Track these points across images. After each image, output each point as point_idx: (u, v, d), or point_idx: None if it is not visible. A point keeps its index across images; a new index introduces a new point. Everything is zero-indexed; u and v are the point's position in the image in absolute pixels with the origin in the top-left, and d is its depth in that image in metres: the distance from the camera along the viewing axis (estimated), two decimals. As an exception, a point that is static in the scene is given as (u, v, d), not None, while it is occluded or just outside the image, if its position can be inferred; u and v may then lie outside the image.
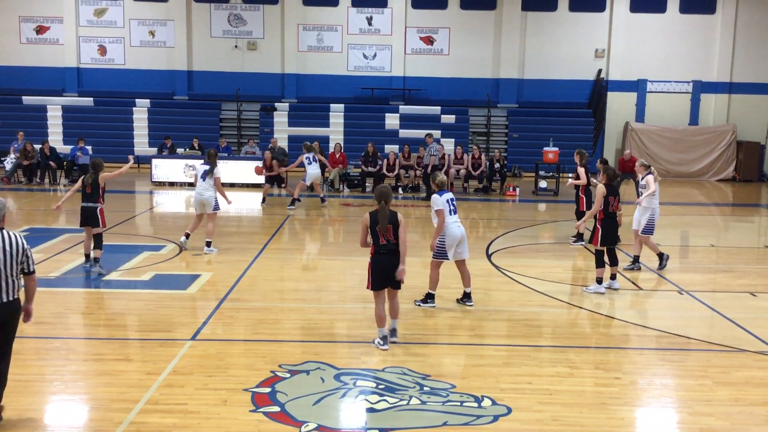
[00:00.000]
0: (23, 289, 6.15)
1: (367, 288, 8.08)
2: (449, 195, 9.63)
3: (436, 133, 26.30)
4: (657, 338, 8.69)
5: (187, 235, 12.88)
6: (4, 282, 5.88)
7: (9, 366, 6.14)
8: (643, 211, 12.00)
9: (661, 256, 12.21)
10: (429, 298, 9.72)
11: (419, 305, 9.63)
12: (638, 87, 28.86)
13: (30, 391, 6.63)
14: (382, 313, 8.02)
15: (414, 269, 10.66)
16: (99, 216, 10.93)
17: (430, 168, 21.24)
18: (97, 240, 10.98)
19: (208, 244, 12.66)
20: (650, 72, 28.75)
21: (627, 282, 11.39)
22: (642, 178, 12.24)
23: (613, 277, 10.70)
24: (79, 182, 11.16)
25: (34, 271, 6.11)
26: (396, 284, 8.04)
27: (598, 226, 10.51)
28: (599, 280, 10.49)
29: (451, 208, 9.54)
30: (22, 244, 6.03)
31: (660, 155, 27.92)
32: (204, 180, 12.66)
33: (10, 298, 5.94)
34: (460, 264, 9.69)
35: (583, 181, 14.22)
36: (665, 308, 10.17)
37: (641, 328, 9.08)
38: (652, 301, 10.72)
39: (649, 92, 28.93)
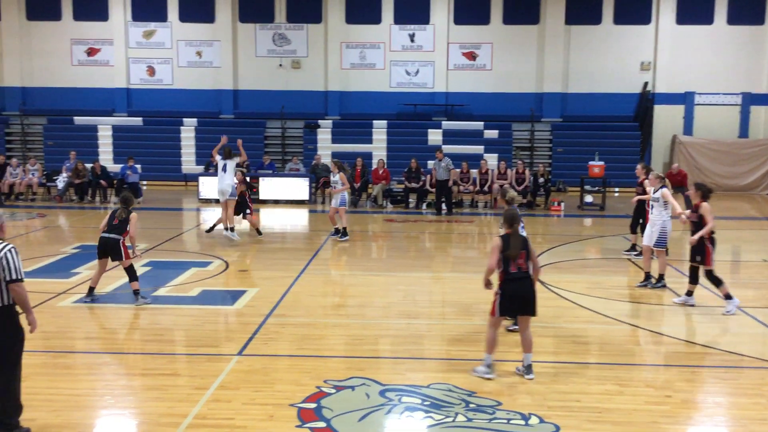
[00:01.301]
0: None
1: (492, 314, 7.60)
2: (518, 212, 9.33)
3: (479, 149, 26.27)
4: (708, 355, 8.49)
5: (213, 228, 15.93)
6: None
7: (13, 383, 5.99)
8: (653, 224, 11.74)
9: (648, 276, 11.82)
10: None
11: (513, 329, 9.00)
12: (686, 100, 28.42)
13: (81, 405, 6.75)
14: (495, 337, 7.59)
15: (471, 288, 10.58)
16: (122, 248, 10.37)
17: (442, 181, 21.04)
18: (130, 272, 10.45)
19: (231, 229, 14.83)
20: (698, 84, 28.31)
21: (677, 297, 11.16)
22: (655, 191, 11.92)
23: (689, 293, 10.49)
24: (108, 215, 10.69)
25: (18, 279, 5.91)
26: (530, 311, 7.57)
27: (708, 245, 10.23)
28: (728, 296, 10.19)
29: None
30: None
31: (709, 168, 27.40)
32: (225, 171, 14.96)
33: None
34: None
35: (650, 195, 13.85)
36: (717, 324, 9.93)
37: (692, 345, 8.87)
38: (702, 317, 10.47)
39: (696, 105, 28.47)
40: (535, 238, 17.56)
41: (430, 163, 24.44)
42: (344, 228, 15.99)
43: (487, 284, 7.70)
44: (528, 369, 7.52)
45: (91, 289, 10.57)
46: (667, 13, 28.02)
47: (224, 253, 14.20)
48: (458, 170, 22.37)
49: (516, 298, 7.50)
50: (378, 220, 19.84)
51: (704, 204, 10.35)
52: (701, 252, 10.28)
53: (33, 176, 23.40)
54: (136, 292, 10.45)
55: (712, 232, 10.27)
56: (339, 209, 15.83)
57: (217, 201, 22.39)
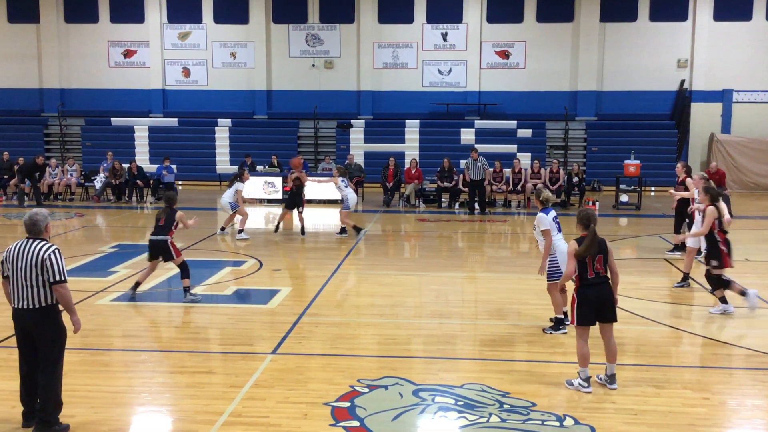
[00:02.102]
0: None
1: (572, 323, 7.31)
2: (554, 212, 9.14)
3: (512, 148, 26.12)
4: (747, 357, 8.34)
5: (222, 229, 16.66)
6: (21, 289, 6.02)
7: (53, 380, 6.11)
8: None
9: (686, 277, 11.70)
10: (560, 324, 9.00)
11: (550, 333, 8.96)
12: (723, 97, 27.94)
13: (119, 402, 6.86)
14: (586, 351, 7.14)
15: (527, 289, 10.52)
16: (171, 248, 10.57)
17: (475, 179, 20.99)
18: (182, 269, 10.63)
19: (239, 231, 15.73)
20: (736, 82, 27.81)
21: (714, 299, 10.99)
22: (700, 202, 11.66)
23: (723, 300, 10.32)
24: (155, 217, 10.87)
25: (61, 280, 6.02)
26: (611, 317, 7.16)
27: (722, 248, 10.06)
28: (724, 299, 10.08)
29: (557, 225, 9.10)
30: (41, 253, 6.00)
31: (748, 167, 26.91)
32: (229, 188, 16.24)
33: (29, 306, 6.00)
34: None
35: (692, 193, 13.65)
36: (755, 326, 9.74)
37: (729, 346, 8.73)
38: (740, 319, 10.28)
39: (735, 102, 27.98)
40: (568, 238, 17.39)
41: (463, 163, 24.41)
42: (342, 228, 16.48)
43: (562, 290, 7.32)
44: (611, 378, 7.19)
45: (137, 284, 10.76)
46: (704, 9, 27.57)
47: (258, 252, 14.31)
48: (491, 169, 22.28)
49: (595, 304, 7.09)
50: (410, 220, 19.83)
51: (710, 208, 10.19)
52: (717, 256, 10.08)
53: (71, 176, 23.82)
54: (186, 289, 10.59)
55: (725, 231, 10.13)
56: (342, 212, 16.30)
57: (259, 200, 22.74)
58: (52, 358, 6.11)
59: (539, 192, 9.34)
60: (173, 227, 10.59)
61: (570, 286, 7.92)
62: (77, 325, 6.26)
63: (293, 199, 16.59)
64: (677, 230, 14.41)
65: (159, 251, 10.60)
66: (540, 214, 9.08)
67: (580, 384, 7.10)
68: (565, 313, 8.89)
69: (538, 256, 14.42)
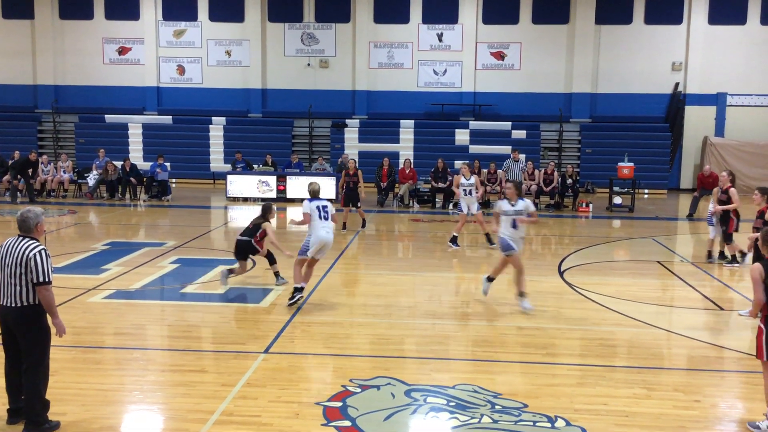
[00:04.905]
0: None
1: (759, 358, 6.45)
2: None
3: (507, 149, 26.12)
4: (738, 360, 8.36)
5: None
6: (6, 287, 5.99)
7: (37, 381, 6.06)
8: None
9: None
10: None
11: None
12: (717, 101, 28.03)
13: (110, 400, 6.84)
14: None
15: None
16: (255, 245, 11.37)
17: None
18: (269, 258, 11.55)
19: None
20: (730, 85, 27.91)
21: (708, 302, 11.03)
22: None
23: None
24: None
25: (44, 282, 5.96)
26: None
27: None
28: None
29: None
30: (27, 252, 5.96)
31: (741, 170, 26.94)
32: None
33: (13, 304, 5.97)
34: None
35: (736, 204, 13.35)
36: (747, 329, 9.78)
37: (721, 349, 8.76)
38: (732, 321, 10.33)
39: (729, 106, 28.08)
40: (563, 240, 17.47)
41: (458, 164, 24.39)
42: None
43: (755, 316, 6.53)
44: None
45: (230, 271, 11.42)
46: (699, 12, 27.65)
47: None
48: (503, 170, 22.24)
49: None
50: (404, 220, 19.84)
51: None
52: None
53: (64, 173, 23.74)
54: (276, 274, 11.54)
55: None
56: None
57: (245, 199, 22.71)
58: (35, 359, 6.06)
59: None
60: (257, 233, 11.33)
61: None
62: (59, 328, 6.16)
63: (350, 196, 17.08)
64: (729, 240, 13.53)
65: (243, 250, 11.42)
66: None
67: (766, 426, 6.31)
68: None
69: (531, 258, 14.46)
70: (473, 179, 15.43)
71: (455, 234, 15.36)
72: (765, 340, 6.32)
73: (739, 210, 13.51)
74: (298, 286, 10.21)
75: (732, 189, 13.38)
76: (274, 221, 16.17)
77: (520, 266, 10.23)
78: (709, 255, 13.98)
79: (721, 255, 13.87)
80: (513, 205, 10.17)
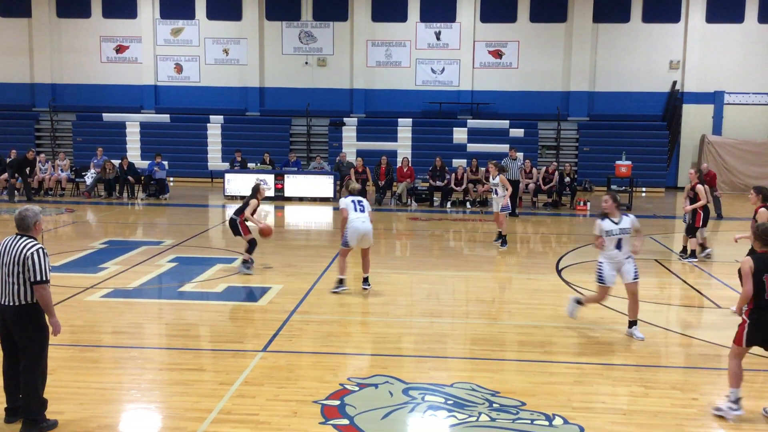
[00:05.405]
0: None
1: (737, 344, 6.64)
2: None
3: (504, 147, 26.11)
4: (737, 358, 8.37)
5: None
6: (4, 285, 5.99)
7: (34, 379, 6.07)
8: None
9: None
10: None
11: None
12: (715, 99, 28.06)
13: (108, 399, 6.84)
14: (740, 371, 6.62)
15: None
16: (239, 226, 12.17)
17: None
18: (249, 244, 12.17)
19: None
20: (727, 83, 27.94)
21: (705, 300, 11.04)
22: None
23: None
24: None
25: (42, 281, 5.96)
26: None
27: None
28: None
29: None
30: (24, 251, 5.96)
31: (738, 169, 27.06)
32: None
33: (11, 303, 5.97)
34: None
35: (703, 201, 13.54)
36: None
37: (718, 347, 8.75)
38: (729, 318, 10.33)
39: (726, 104, 28.10)
40: (560, 238, 17.47)
41: (456, 162, 24.44)
42: None
43: (740, 313, 6.80)
44: None
45: (247, 261, 12.18)
46: (696, 11, 27.66)
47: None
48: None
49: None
50: (402, 219, 19.83)
51: (762, 210, 10.16)
52: None
53: (61, 172, 23.70)
54: (244, 261, 12.15)
55: None
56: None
57: (242, 197, 22.66)
58: (32, 357, 6.06)
59: (348, 184, 11.43)
60: (243, 210, 12.09)
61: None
62: (56, 327, 6.15)
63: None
64: (692, 234, 13.78)
65: (231, 227, 12.31)
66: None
67: (730, 406, 6.59)
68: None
69: (528, 256, 14.48)
70: (498, 179, 15.21)
71: (501, 232, 15.31)
72: (747, 330, 6.52)
73: (709, 206, 13.93)
74: (342, 277, 10.92)
75: (699, 186, 13.56)
76: (274, 213, 16.19)
77: (596, 298, 9.22)
78: (703, 248, 14.06)
79: (684, 250, 14.17)
80: (617, 223, 8.85)
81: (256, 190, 12.37)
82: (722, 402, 6.69)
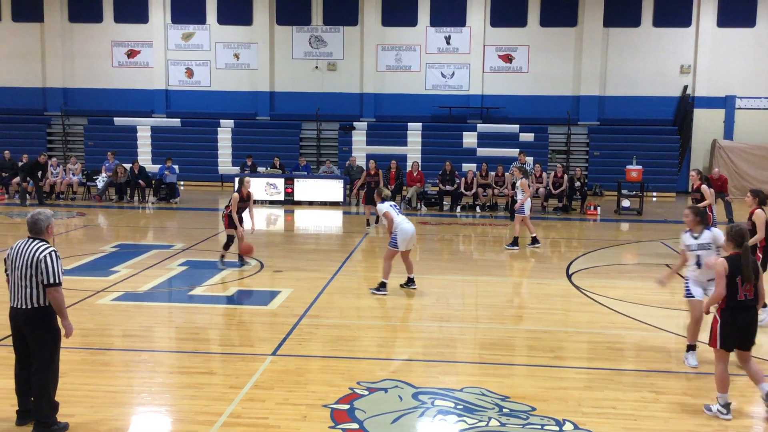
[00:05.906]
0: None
1: (712, 345, 6.82)
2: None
3: (514, 152, 26.08)
4: (748, 364, 8.31)
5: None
6: (17, 288, 6.03)
7: (46, 382, 6.08)
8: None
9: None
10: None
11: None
12: (726, 103, 27.93)
13: (119, 402, 6.86)
14: (726, 376, 6.70)
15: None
16: (222, 219, 12.94)
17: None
18: (228, 240, 12.82)
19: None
20: (739, 88, 27.81)
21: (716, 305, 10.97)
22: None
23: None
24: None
25: (54, 283, 5.98)
26: (749, 345, 6.73)
27: (758, 254, 9.75)
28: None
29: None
30: (37, 254, 5.98)
31: (750, 174, 26.91)
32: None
33: (23, 306, 5.99)
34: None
35: (709, 201, 13.54)
36: (759, 333, 9.71)
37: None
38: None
39: (737, 109, 27.97)
40: (571, 243, 17.43)
41: (466, 166, 24.40)
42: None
43: (708, 311, 6.95)
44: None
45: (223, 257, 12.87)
46: (707, 15, 27.57)
47: (259, 253, 14.30)
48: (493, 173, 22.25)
49: (741, 330, 6.62)
50: (411, 223, 19.78)
51: (759, 211, 10.10)
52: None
53: (73, 176, 23.83)
54: (222, 257, 12.81)
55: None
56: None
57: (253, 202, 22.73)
58: (44, 360, 6.08)
59: (381, 191, 11.68)
60: (228, 204, 12.66)
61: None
62: (68, 329, 6.21)
63: (370, 195, 17.55)
64: None
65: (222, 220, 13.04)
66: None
67: (718, 410, 6.67)
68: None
69: (539, 261, 14.46)
70: (519, 182, 15.37)
71: (532, 235, 15.49)
72: (719, 329, 6.67)
73: (714, 206, 14.04)
74: (385, 281, 11.11)
75: (703, 186, 13.50)
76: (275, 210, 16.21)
77: (696, 317, 8.21)
78: None
79: None
80: (696, 238, 8.13)
81: (240, 184, 12.86)
82: (713, 404, 6.78)
